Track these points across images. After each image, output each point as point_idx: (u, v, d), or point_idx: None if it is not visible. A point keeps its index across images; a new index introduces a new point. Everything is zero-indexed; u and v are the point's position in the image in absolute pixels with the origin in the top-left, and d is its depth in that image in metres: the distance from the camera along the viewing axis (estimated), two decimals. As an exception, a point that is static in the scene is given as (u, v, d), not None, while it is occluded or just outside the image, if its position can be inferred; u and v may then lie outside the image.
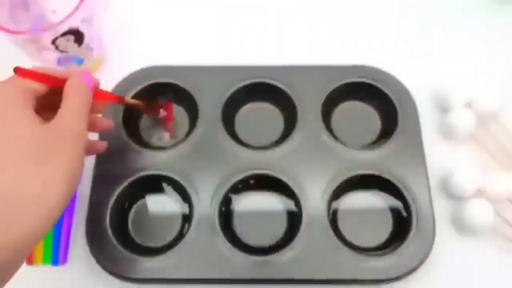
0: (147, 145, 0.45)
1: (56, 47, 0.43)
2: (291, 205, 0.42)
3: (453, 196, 0.43)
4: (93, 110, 0.34)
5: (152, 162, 0.43)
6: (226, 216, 0.42)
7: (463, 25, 0.54)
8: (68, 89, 0.33)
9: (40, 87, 0.32)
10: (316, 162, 0.43)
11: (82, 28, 0.43)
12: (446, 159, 0.45)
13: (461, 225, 0.42)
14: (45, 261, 0.41)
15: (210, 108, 0.46)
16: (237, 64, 0.48)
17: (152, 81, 0.47)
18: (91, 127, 0.34)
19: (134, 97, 0.46)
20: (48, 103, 0.33)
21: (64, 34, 0.42)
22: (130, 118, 0.46)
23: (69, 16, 0.41)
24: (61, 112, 0.31)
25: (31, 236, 0.27)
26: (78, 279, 0.41)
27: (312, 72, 0.47)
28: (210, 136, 0.45)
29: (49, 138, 0.29)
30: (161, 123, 0.46)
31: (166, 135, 0.46)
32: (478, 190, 0.42)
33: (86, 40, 0.45)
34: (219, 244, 0.40)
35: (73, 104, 0.32)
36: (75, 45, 0.44)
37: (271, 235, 0.42)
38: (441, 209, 0.43)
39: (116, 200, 0.42)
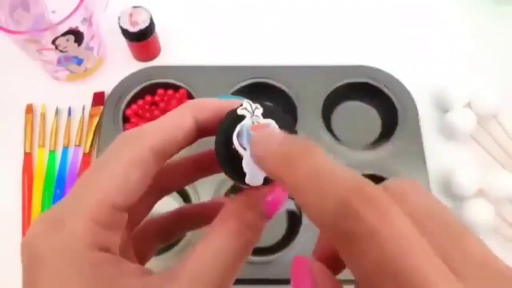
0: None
1: (56, 47, 0.43)
2: (291, 205, 0.42)
3: (454, 196, 0.43)
4: None
5: (152, 162, 0.43)
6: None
7: (462, 26, 0.54)
8: (222, 226, 0.18)
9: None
10: (316, 162, 0.43)
11: (82, 28, 0.43)
12: (446, 159, 0.45)
13: (461, 225, 0.42)
14: None
15: (210, 108, 0.46)
16: (237, 64, 0.48)
17: (152, 81, 0.47)
18: None
19: (134, 97, 0.46)
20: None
21: (64, 34, 0.42)
22: (130, 118, 0.46)
23: (69, 16, 0.41)
24: (198, 257, 0.17)
25: None
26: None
27: (312, 72, 0.47)
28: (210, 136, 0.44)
29: None
30: None
31: None
32: (479, 190, 0.42)
33: (86, 40, 0.45)
34: (219, 244, 0.39)
35: (224, 251, 0.18)
36: (75, 45, 0.44)
37: (271, 235, 0.42)
38: (441, 209, 0.43)
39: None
